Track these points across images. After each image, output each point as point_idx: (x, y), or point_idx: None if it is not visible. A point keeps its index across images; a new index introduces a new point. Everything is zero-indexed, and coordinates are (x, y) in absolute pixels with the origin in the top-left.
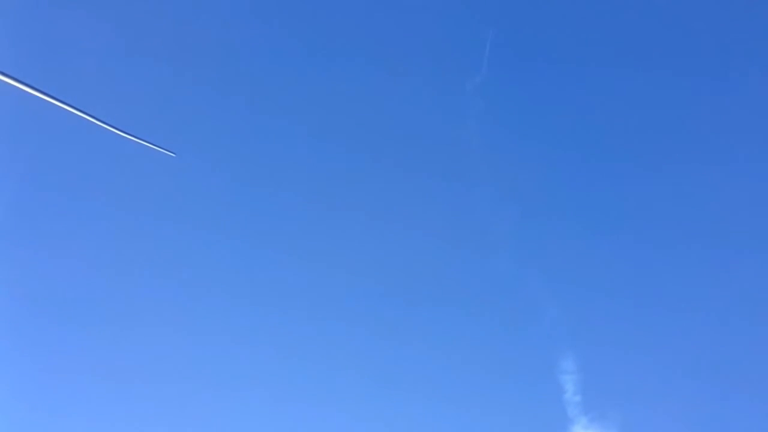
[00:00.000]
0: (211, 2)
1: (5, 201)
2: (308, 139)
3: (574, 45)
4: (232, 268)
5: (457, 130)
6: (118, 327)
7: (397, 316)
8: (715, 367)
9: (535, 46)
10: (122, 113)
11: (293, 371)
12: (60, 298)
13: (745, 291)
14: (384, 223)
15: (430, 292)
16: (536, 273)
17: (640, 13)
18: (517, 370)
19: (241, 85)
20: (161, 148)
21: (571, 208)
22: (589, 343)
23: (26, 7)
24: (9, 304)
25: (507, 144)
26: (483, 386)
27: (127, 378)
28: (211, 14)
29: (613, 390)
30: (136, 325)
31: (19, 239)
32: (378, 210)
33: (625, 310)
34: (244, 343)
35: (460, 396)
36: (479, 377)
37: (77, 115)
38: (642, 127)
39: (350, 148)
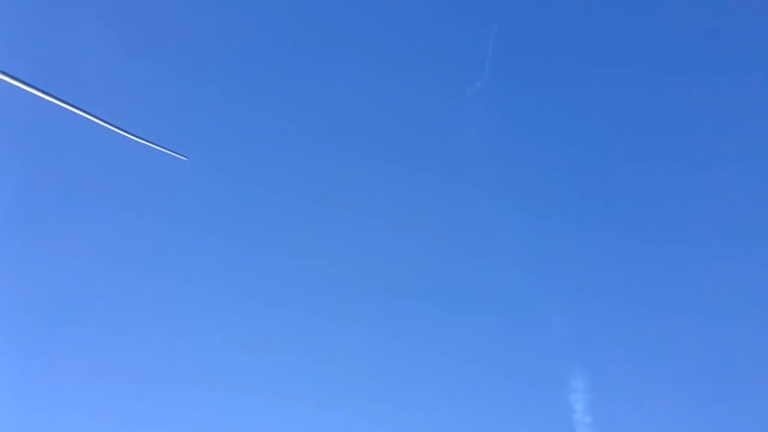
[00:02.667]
0: (223, 6)
1: (14, 204)
2: (315, 144)
3: (578, 49)
4: (242, 271)
5: (459, 135)
6: (129, 330)
7: (402, 327)
8: (738, 390)
9: (537, 50)
10: (133, 117)
11: (298, 376)
12: (70, 301)
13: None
14: (385, 230)
15: (434, 305)
16: (543, 284)
17: (643, 18)
18: (524, 388)
19: (251, 89)
20: (173, 151)
21: (576, 214)
22: (601, 360)
23: (35, 8)
24: (17, 307)
25: (509, 149)
26: (489, 405)
27: (137, 380)
28: (224, 18)
29: (625, 411)
30: (147, 327)
31: (30, 243)
32: (379, 216)
33: (639, 324)
34: (255, 345)
35: (464, 415)
36: (484, 396)
37: (88, 118)
38: (648, 132)
39: (356, 152)
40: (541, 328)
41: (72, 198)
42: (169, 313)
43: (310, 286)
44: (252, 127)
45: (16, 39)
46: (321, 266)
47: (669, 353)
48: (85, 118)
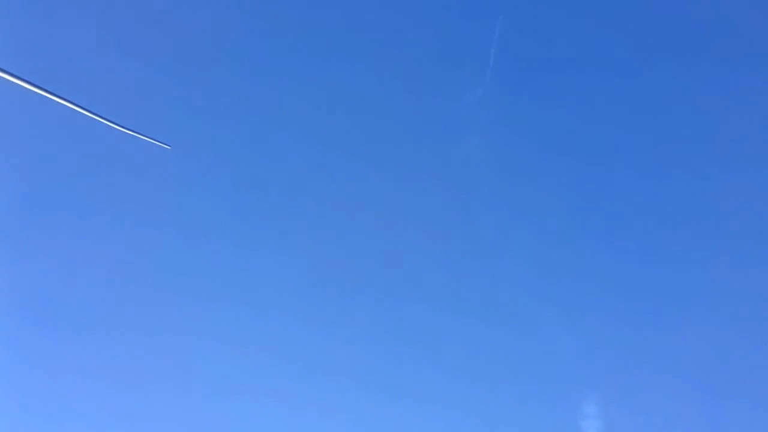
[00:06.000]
0: None
1: None
2: (305, 141)
3: (579, 56)
4: (227, 264)
5: (460, 141)
6: (112, 323)
7: (404, 333)
8: (759, 407)
9: (538, 57)
10: (116, 106)
11: (296, 380)
12: (52, 293)
13: None
14: (384, 234)
15: (435, 311)
16: (546, 292)
17: (644, 25)
18: (532, 413)
19: (238, 81)
20: (156, 140)
21: (578, 221)
22: (614, 383)
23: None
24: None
25: (510, 156)
26: (493, 421)
27: (120, 374)
28: (207, 7)
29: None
30: (130, 320)
31: (9, 233)
32: (378, 221)
33: (653, 340)
34: (237, 342)
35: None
36: (488, 422)
37: (70, 107)
38: (650, 138)
39: (356, 157)
40: (551, 350)
41: (51, 188)
42: (153, 306)
43: (306, 286)
44: (237, 117)
45: None
46: (317, 267)
47: (683, 367)
48: (67, 106)
